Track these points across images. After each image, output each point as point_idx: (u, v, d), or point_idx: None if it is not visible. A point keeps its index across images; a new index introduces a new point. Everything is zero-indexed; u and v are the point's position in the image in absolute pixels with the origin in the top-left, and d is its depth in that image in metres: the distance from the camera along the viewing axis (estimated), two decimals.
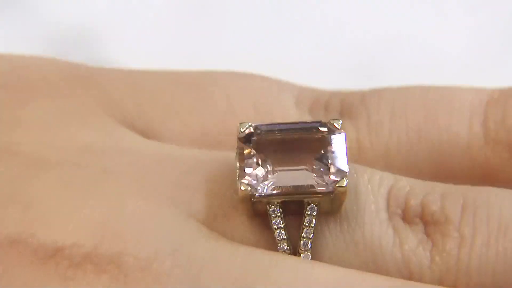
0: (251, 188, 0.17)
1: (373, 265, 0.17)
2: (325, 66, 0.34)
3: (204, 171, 0.18)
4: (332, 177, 0.17)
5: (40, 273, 0.16)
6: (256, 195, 0.17)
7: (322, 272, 0.17)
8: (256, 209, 0.17)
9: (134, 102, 0.19)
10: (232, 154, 0.17)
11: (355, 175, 0.17)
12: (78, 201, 0.17)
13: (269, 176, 0.17)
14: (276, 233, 0.17)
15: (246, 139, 0.17)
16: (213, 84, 0.20)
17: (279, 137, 0.17)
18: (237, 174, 0.17)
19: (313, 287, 0.16)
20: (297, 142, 0.17)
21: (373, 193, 0.17)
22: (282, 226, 0.17)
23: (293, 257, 0.17)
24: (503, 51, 0.33)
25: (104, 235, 0.16)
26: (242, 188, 0.17)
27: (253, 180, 0.17)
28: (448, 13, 0.35)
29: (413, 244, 0.17)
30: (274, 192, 0.17)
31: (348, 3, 0.35)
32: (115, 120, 0.19)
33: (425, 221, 0.17)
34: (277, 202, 0.17)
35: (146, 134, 0.19)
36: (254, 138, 0.17)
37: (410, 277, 0.17)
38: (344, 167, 0.17)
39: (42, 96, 0.19)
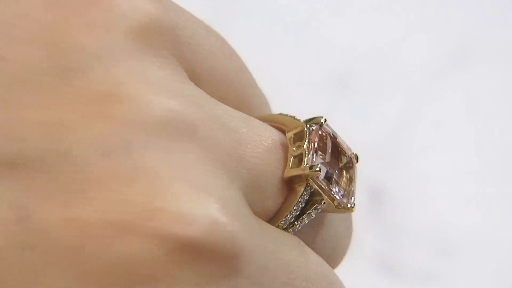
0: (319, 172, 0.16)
1: None
2: (305, 81, 0.34)
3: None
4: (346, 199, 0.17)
5: None
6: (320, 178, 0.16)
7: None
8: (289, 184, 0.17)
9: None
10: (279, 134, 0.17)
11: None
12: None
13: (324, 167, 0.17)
14: (294, 209, 0.16)
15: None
16: None
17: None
18: (306, 159, 0.16)
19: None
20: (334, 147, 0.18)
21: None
22: (302, 206, 0.17)
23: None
24: (460, 62, 0.34)
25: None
26: (317, 169, 0.16)
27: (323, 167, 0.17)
28: (417, 30, 0.35)
29: None
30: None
31: (327, 22, 0.35)
32: None
33: None
34: (312, 188, 0.17)
35: None
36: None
37: None
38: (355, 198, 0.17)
39: None
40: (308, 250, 0.16)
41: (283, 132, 0.17)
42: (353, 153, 0.17)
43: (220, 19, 0.36)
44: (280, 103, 0.33)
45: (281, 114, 0.18)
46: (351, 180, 0.17)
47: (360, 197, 0.33)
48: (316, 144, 0.16)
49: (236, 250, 0.14)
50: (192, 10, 0.17)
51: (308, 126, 0.16)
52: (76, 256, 0.14)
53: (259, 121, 0.17)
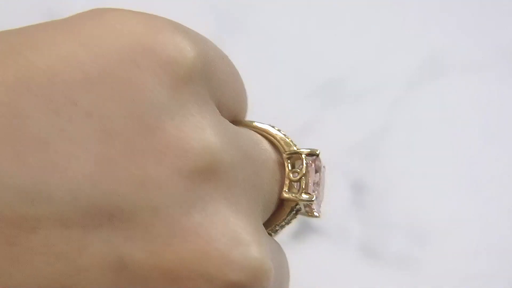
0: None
1: None
2: (292, 90, 0.35)
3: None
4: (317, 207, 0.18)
5: None
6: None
7: None
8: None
9: None
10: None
11: None
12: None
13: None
14: (282, 221, 0.18)
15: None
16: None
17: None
18: (303, 186, 0.17)
19: None
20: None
21: None
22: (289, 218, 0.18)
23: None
24: (432, 73, 0.35)
25: None
26: (312, 199, 0.17)
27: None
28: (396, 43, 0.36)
29: None
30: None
31: (318, 38, 0.36)
32: None
33: None
34: (300, 207, 0.18)
35: None
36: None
37: None
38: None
39: None
40: (282, 250, 0.18)
41: (275, 146, 0.18)
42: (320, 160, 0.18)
43: (223, 34, 0.37)
44: (276, 108, 0.34)
45: (272, 126, 0.19)
46: (321, 188, 0.18)
47: (344, 191, 0.33)
48: (312, 174, 0.18)
49: (263, 281, 0.16)
50: (198, 27, 0.17)
51: (305, 156, 0.18)
52: None
53: (263, 140, 0.18)
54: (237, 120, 0.19)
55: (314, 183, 0.18)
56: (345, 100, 0.35)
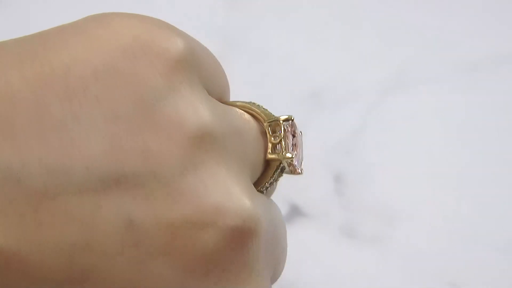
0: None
1: None
2: (278, 96, 0.36)
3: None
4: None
5: None
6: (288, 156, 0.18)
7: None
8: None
9: None
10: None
11: None
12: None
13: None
14: (270, 178, 0.18)
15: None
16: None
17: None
18: (284, 147, 0.18)
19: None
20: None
21: None
22: (275, 176, 0.18)
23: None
24: (402, 82, 0.37)
25: None
26: (292, 156, 0.18)
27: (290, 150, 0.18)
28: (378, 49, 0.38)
29: None
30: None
31: (304, 52, 0.37)
32: None
33: None
34: (283, 165, 0.18)
35: None
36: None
37: None
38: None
39: None
40: (274, 203, 0.19)
41: (257, 118, 0.18)
42: (296, 126, 0.18)
43: (226, 51, 0.36)
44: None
45: (253, 103, 0.19)
46: (299, 149, 0.19)
47: (327, 181, 0.35)
48: (290, 136, 0.18)
49: (257, 225, 0.16)
50: (204, 42, 0.18)
51: (282, 121, 0.18)
52: (169, 248, 0.15)
53: (245, 113, 0.18)
54: (223, 101, 0.19)
55: (292, 145, 0.18)
56: (327, 106, 0.36)
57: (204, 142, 0.16)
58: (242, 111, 0.18)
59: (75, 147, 0.15)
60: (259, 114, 0.18)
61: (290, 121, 0.18)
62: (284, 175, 0.19)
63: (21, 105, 0.15)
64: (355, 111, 0.36)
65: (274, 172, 0.18)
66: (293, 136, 0.18)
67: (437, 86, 0.36)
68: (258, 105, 0.18)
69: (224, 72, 0.19)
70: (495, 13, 0.38)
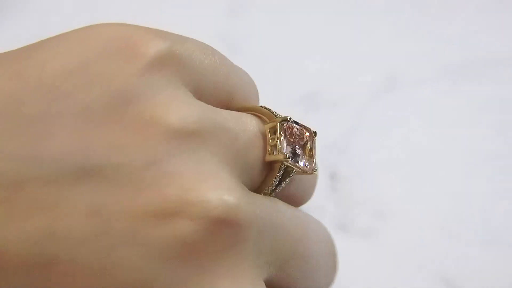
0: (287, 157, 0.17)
1: None
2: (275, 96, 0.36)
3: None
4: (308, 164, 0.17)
5: None
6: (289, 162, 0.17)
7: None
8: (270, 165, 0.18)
9: None
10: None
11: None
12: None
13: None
14: (274, 180, 0.17)
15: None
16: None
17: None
18: (279, 148, 0.17)
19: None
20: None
21: None
22: (279, 177, 0.17)
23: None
24: (391, 84, 0.37)
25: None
26: (287, 156, 0.17)
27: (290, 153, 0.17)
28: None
29: None
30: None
31: (301, 56, 0.38)
32: None
33: None
34: (285, 165, 0.17)
35: None
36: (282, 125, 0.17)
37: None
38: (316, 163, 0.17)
39: None
40: (281, 204, 0.18)
41: (263, 120, 0.18)
42: (312, 131, 0.18)
43: (227, 55, 0.36)
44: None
45: (263, 106, 0.19)
46: (311, 151, 0.18)
47: (323, 178, 0.35)
48: (284, 136, 0.17)
49: (241, 219, 0.16)
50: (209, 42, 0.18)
51: (279, 123, 0.17)
52: (137, 237, 0.15)
53: (246, 114, 0.18)
54: (231, 107, 0.18)
55: (293, 143, 0.17)
56: (322, 107, 0.36)
57: (176, 138, 0.16)
58: (244, 114, 0.18)
59: (45, 141, 0.15)
60: (262, 115, 0.18)
61: (287, 122, 0.17)
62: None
63: None
64: (348, 112, 0.36)
65: (277, 173, 0.17)
66: (300, 137, 0.18)
67: (428, 87, 0.37)
68: (264, 107, 0.18)
69: (228, 75, 0.18)
70: (485, 16, 0.39)
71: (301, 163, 0.17)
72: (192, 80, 0.17)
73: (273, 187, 0.17)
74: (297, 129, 0.18)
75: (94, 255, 0.15)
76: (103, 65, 0.16)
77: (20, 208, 0.15)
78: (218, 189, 0.15)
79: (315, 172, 0.18)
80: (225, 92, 0.18)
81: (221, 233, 0.15)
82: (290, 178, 0.17)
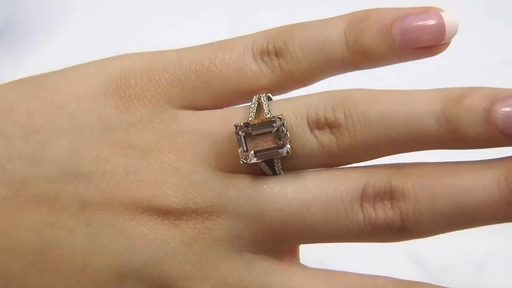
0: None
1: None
2: None
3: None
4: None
5: None
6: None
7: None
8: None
9: None
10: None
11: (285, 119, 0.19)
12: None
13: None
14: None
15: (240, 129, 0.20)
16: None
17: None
18: (244, 150, 0.19)
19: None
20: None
21: (296, 121, 0.19)
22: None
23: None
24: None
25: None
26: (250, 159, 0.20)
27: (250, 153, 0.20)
28: None
29: (325, 138, 0.19)
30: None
31: None
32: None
33: (328, 124, 0.19)
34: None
35: None
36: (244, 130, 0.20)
37: (329, 151, 0.19)
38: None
39: None
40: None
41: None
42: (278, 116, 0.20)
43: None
44: None
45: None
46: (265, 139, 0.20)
47: None
48: (241, 142, 0.20)
49: (200, 204, 0.19)
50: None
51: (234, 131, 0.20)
52: (113, 228, 0.19)
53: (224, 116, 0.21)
54: (218, 105, 0.21)
55: (250, 144, 0.19)
56: None
57: (148, 158, 0.19)
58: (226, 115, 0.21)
59: (47, 147, 0.19)
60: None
61: (244, 128, 0.20)
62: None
63: (15, 112, 0.19)
64: None
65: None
66: (249, 136, 0.20)
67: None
68: (265, 103, 0.20)
69: (221, 82, 0.20)
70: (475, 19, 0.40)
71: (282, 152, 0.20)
72: (181, 100, 0.21)
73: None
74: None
75: (86, 242, 0.19)
76: (100, 98, 0.20)
77: (27, 201, 0.18)
78: (175, 183, 0.19)
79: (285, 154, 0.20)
80: (208, 97, 0.21)
81: (181, 219, 0.19)
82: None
